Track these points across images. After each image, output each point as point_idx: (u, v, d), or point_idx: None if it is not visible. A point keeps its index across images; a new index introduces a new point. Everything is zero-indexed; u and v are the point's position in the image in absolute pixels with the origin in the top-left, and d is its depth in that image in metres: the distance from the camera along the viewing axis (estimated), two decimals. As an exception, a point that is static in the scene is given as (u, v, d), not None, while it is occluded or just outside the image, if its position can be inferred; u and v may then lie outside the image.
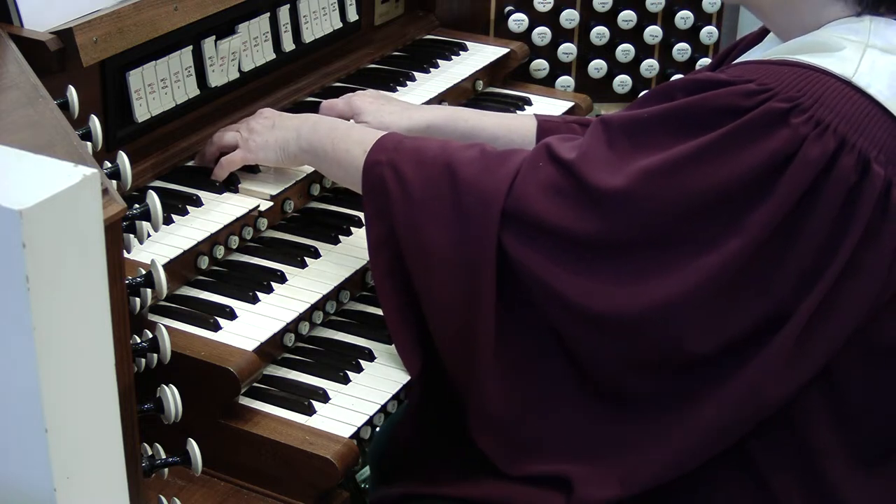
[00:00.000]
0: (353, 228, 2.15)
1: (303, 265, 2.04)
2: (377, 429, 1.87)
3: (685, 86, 1.65)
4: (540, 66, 2.96)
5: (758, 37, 1.93)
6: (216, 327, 1.85)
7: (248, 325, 1.87)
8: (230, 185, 2.12)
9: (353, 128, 2.01)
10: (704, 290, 1.59)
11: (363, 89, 2.52)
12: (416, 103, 2.34)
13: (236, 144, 2.12)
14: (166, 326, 1.62)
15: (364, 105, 2.20)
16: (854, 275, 1.57)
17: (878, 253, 1.57)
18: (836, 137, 1.54)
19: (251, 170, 2.15)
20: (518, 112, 2.60)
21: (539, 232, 1.69)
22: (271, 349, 1.89)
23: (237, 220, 2.04)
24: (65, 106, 1.76)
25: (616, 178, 1.62)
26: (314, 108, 2.43)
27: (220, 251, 2.02)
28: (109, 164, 1.59)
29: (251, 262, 2.05)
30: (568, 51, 2.96)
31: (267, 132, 2.08)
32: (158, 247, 1.91)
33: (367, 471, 2.46)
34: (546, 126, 2.17)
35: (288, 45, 2.46)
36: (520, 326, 1.73)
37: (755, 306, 1.60)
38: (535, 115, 2.22)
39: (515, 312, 1.73)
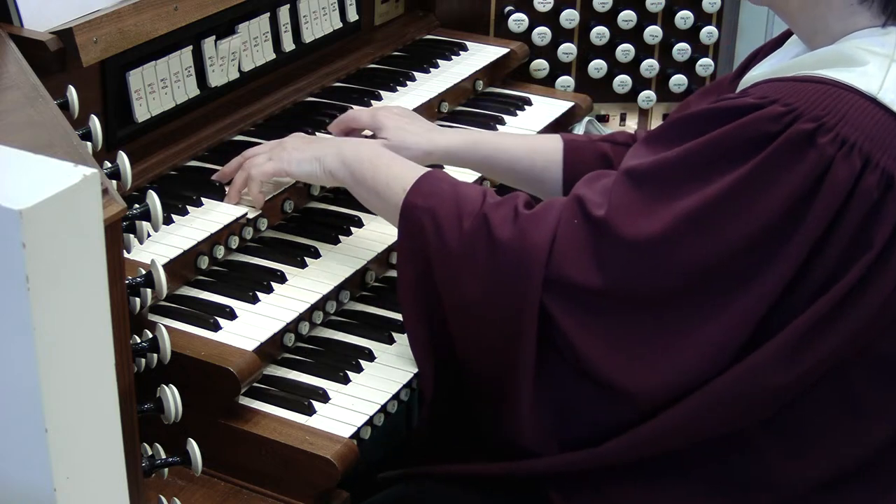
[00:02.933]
0: (353, 228, 2.15)
1: (303, 265, 2.04)
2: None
3: (712, 115, 1.62)
4: (540, 66, 2.96)
5: (778, 42, 1.92)
6: (216, 327, 1.85)
7: (248, 325, 1.87)
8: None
9: (394, 160, 1.96)
10: (748, 326, 1.60)
11: (363, 89, 2.53)
12: (441, 128, 2.29)
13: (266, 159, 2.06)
14: (166, 326, 1.62)
15: (387, 121, 2.18)
16: (864, 288, 1.57)
17: (889, 266, 1.57)
18: (862, 156, 1.54)
19: None
20: (537, 131, 2.56)
21: (584, 296, 1.67)
22: (271, 349, 1.89)
23: (237, 220, 2.04)
24: (65, 106, 1.76)
25: (653, 225, 1.61)
26: (314, 107, 2.44)
27: (220, 251, 2.02)
28: (109, 164, 1.59)
29: (251, 262, 2.05)
30: (568, 51, 2.96)
31: (304, 146, 2.04)
32: (158, 247, 1.91)
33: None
34: (573, 146, 2.16)
35: (288, 45, 2.46)
36: (559, 375, 1.73)
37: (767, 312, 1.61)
38: (562, 136, 2.20)
39: (553, 362, 1.72)
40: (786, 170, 1.55)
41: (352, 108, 2.39)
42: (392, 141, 2.13)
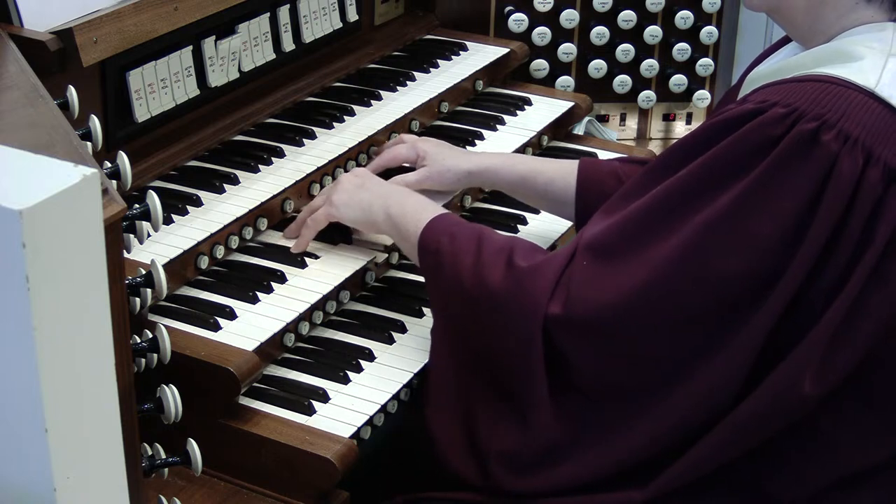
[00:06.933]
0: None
1: (303, 265, 2.04)
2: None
3: (713, 130, 1.62)
4: (540, 66, 2.96)
5: (777, 45, 1.91)
6: (216, 327, 1.85)
7: (248, 325, 1.87)
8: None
9: (437, 220, 1.94)
10: (757, 343, 1.59)
11: (363, 89, 2.53)
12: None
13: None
14: (166, 326, 1.62)
15: (427, 148, 2.22)
16: (878, 282, 1.56)
17: None
18: (864, 151, 1.54)
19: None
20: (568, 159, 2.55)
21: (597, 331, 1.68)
22: (271, 349, 1.89)
23: (237, 220, 2.04)
24: (65, 106, 1.76)
25: (668, 248, 1.61)
26: (314, 107, 2.44)
27: (220, 251, 2.02)
28: (109, 164, 1.59)
29: (251, 262, 2.05)
30: (568, 51, 2.96)
31: (354, 190, 2.04)
32: (158, 247, 1.91)
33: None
34: (586, 166, 2.17)
35: (288, 45, 2.46)
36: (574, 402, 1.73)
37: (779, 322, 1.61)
38: (583, 159, 2.22)
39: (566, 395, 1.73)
40: (793, 172, 1.54)
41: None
42: (435, 166, 2.18)
